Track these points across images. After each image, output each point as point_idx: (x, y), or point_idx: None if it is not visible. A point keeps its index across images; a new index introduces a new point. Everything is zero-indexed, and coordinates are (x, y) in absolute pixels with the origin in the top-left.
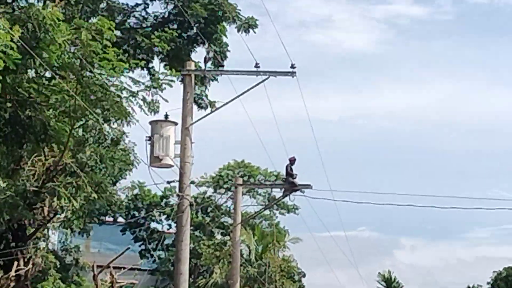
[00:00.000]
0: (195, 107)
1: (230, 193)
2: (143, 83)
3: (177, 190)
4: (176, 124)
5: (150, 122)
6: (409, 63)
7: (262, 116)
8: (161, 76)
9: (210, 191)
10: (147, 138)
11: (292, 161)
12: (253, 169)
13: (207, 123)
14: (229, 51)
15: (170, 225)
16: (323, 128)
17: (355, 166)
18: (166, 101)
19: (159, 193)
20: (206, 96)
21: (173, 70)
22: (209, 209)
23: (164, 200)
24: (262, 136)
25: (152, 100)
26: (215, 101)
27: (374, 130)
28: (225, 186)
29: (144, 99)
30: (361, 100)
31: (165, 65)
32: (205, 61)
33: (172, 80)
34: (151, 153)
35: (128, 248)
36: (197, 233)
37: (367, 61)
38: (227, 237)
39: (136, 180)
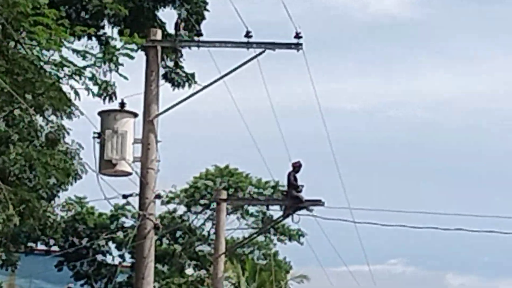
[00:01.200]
0: (167, 85)
1: (209, 212)
2: (94, 55)
3: (136, 207)
4: (136, 115)
5: (100, 113)
6: (462, 33)
7: (255, 105)
8: (118, 44)
9: (181, 209)
10: (96, 135)
11: (297, 167)
12: (242, 178)
13: (178, 115)
14: (208, 10)
15: (122, 256)
16: (340, 122)
17: (385, 175)
18: (125, 78)
19: (109, 212)
20: (182, 68)
21: (136, 35)
22: (179, 233)
23: (116, 222)
24: (254, 133)
25: (105, 81)
26: (194, 74)
27: (412, 125)
28: (202, 202)
29: (94, 77)
30: (394, 84)
31: (121, 32)
32: (176, 28)
33: (132, 49)
34: (101, 155)
35: None
36: (160, 266)
37: (402, 30)
38: (204, 273)
39: (80, 194)
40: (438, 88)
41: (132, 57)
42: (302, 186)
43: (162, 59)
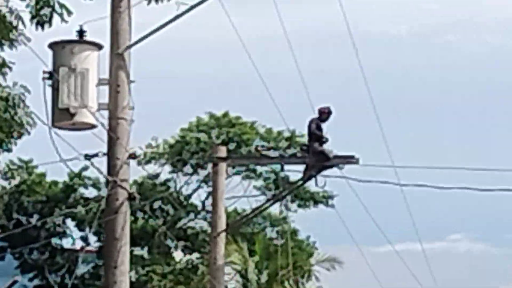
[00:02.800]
0: (142, 4)
1: (202, 172)
2: None
3: (104, 171)
4: (100, 47)
5: (52, 45)
6: None
7: (263, 33)
8: None
9: (165, 171)
10: (46, 75)
11: (325, 115)
12: (246, 129)
13: (158, 46)
14: None
15: (85, 239)
16: (380, 51)
17: (442, 121)
18: None
19: (65, 179)
20: None
21: None
22: (161, 204)
23: (74, 194)
24: (262, 70)
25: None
26: None
27: (478, 54)
28: (193, 161)
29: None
30: None
31: None
32: None
33: None
34: (55, 103)
35: (16, 282)
36: (139, 250)
37: None
38: (197, 256)
39: (27, 155)
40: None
41: None
42: (327, 138)
43: None
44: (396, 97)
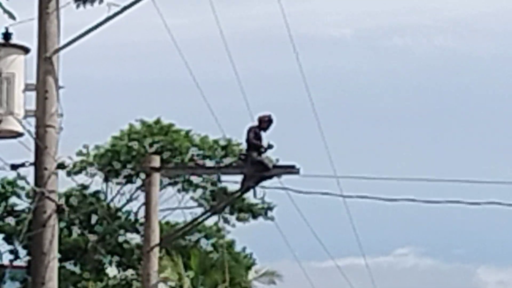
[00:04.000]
0: (71, 6)
1: (135, 183)
2: None
3: (31, 181)
4: (27, 51)
5: None
6: None
7: (199, 34)
8: None
9: (96, 181)
10: None
11: (265, 123)
12: (180, 137)
13: (88, 49)
14: None
15: (15, 252)
16: (323, 55)
17: (388, 130)
18: (12, 17)
19: None
20: None
21: None
22: (97, 217)
23: (4, 203)
24: (196, 74)
25: None
26: None
27: (425, 55)
28: (125, 172)
29: None
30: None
31: None
32: None
33: None
34: None
35: None
36: (69, 265)
37: None
38: (132, 273)
39: None
40: (464, 4)
41: None
42: (271, 146)
43: None
44: (340, 104)
